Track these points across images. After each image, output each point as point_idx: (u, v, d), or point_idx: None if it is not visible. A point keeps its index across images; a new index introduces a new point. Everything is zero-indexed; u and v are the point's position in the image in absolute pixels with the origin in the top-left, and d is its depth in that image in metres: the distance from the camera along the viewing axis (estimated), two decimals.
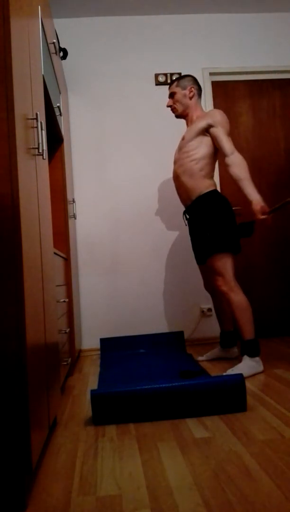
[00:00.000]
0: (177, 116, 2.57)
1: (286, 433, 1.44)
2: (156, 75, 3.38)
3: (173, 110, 2.55)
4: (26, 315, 1.12)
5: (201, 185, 2.40)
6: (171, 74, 3.38)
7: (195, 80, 2.54)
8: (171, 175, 3.33)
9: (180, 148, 2.50)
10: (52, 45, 2.22)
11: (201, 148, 2.40)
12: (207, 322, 3.28)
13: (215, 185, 2.45)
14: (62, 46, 3.28)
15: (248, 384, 2.07)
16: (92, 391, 1.66)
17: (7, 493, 1.08)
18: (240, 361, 2.54)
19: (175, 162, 2.52)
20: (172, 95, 2.54)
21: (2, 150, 1.12)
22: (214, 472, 1.20)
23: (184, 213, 2.55)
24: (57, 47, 2.47)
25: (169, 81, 3.37)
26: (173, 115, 3.21)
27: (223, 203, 2.37)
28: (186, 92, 2.50)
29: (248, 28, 3.47)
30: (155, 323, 3.26)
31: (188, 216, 2.52)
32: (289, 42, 3.49)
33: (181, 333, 3.10)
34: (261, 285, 3.37)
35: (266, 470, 1.19)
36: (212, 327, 3.27)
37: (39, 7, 1.83)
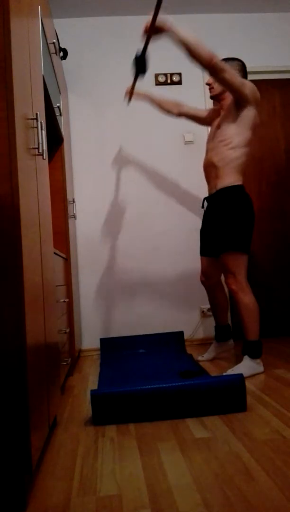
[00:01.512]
0: (212, 97, 2.46)
1: (286, 433, 1.44)
2: (156, 75, 3.37)
3: (211, 89, 2.43)
4: (26, 315, 1.12)
5: (231, 176, 2.30)
6: (171, 74, 3.38)
7: (243, 68, 2.40)
8: (170, 174, 3.33)
9: (213, 137, 2.40)
10: (52, 45, 2.22)
11: (239, 135, 2.28)
12: (207, 322, 3.28)
13: (241, 180, 2.33)
14: (62, 46, 3.27)
15: (248, 384, 2.07)
16: (92, 391, 1.66)
17: (7, 493, 1.08)
18: (240, 360, 2.54)
19: (208, 151, 2.41)
20: None
21: (2, 150, 1.12)
22: (214, 472, 1.20)
23: (204, 200, 2.50)
24: (57, 47, 2.47)
25: (169, 81, 3.37)
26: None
27: (247, 201, 2.30)
28: None
29: (248, 28, 3.47)
30: (155, 323, 3.26)
31: (206, 204, 2.47)
32: (289, 42, 3.49)
33: (181, 333, 3.10)
34: (261, 285, 3.36)
35: (266, 470, 1.19)
36: (212, 327, 3.26)
37: (39, 7, 1.83)
